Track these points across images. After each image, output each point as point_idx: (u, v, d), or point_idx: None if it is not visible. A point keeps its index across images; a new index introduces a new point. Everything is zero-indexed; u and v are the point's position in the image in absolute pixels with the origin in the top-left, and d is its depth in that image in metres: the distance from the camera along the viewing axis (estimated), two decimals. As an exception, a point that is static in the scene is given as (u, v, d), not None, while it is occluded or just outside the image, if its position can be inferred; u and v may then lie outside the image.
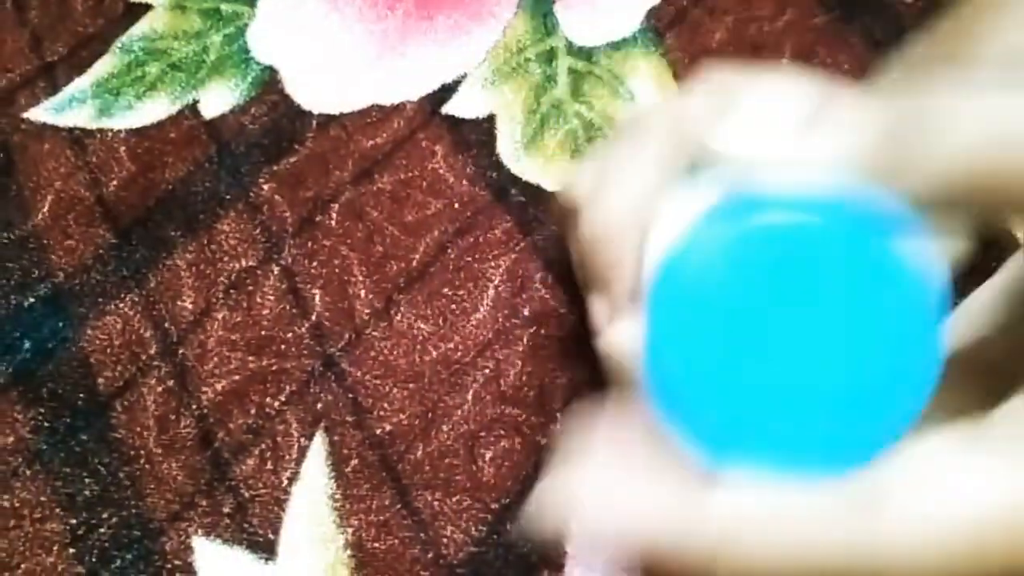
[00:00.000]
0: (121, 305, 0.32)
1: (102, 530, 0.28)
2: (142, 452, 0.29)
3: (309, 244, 0.32)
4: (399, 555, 0.27)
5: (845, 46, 0.35)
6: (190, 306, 0.32)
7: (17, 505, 0.29)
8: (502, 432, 0.29)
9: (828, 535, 0.12)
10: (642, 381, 0.14)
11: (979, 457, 0.12)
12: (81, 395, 0.30)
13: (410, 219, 0.32)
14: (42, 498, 0.29)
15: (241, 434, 0.29)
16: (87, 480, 0.29)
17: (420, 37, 0.36)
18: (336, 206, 0.33)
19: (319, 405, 0.30)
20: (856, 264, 0.12)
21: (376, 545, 0.28)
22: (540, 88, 0.35)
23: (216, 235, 0.33)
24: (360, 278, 0.32)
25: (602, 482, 0.14)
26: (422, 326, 0.31)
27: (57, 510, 0.29)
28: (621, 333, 0.19)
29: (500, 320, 0.30)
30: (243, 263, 0.32)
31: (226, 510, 0.28)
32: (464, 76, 0.35)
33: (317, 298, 0.31)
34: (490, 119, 0.34)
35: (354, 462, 0.29)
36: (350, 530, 0.28)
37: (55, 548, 0.28)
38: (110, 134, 0.35)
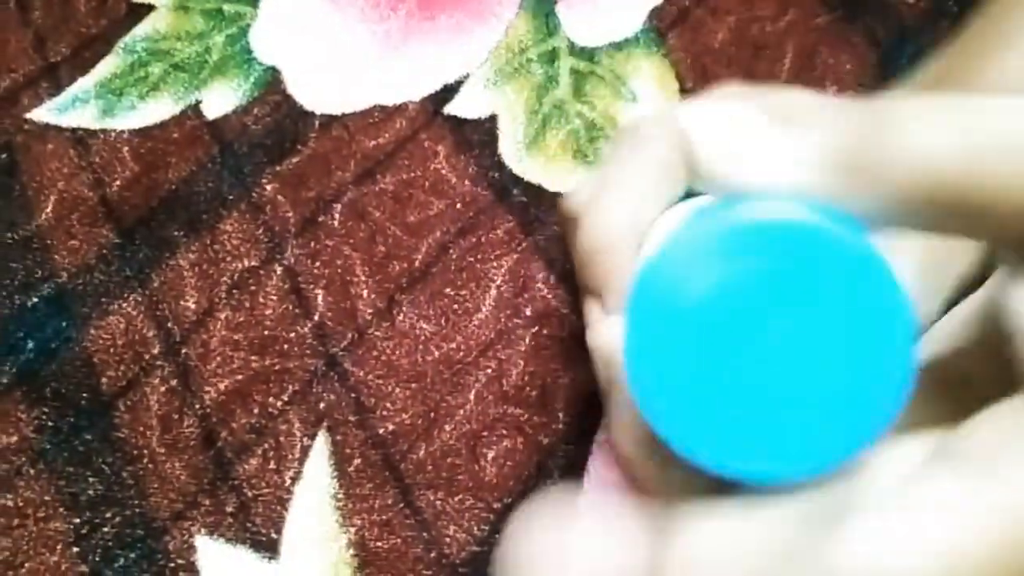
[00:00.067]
0: (124, 305, 0.32)
1: (105, 529, 0.28)
2: (145, 451, 0.29)
3: (312, 244, 0.32)
4: (401, 554, 0.28)
5: (847, 46, 0.35)
6: (193, 306, 0.32)
7: (21, 504, 0.29)
8: (504, 432, 0.29)
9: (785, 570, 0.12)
10: (625, 382, 0.15)
11: (947, 470, 0.12)
12: (84, 395, 0.30)
13: (412, 219, 0.33)
14: (46, 497, 0.29)
15: (244, 434, 0.30)
16: (90, 479, 0.29)
17: (422, 37, 0.36)
18: (338, 206, 0.33)
19: (322, 405, 0.30)
20: (833, 269, 0.13)
21: (379, 544, 0.28)
22: (542, 88, 0.35)
23: (219, 235, 0.33)
24: (362, 278, 0.32)
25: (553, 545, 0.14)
26: (424, 326, 0.31)
27: (61, 509, 0.29)
28: (605, 335, 0.19)
29: (502, 320, 0.31)
30: (246, 263, 0.32)
31: (229, 509, 0.28)
32: (466, 76, 0.35)
33: (320, 298, 0.31)
34: (492, 119, 0.34)
35: (357, 461, 0.29)
36: (353, 529, 0.28)
37: (59, 547, 0.28)
38: (113, 134, 0.35)
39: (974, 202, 0.12)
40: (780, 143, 0.14)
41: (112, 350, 0.31)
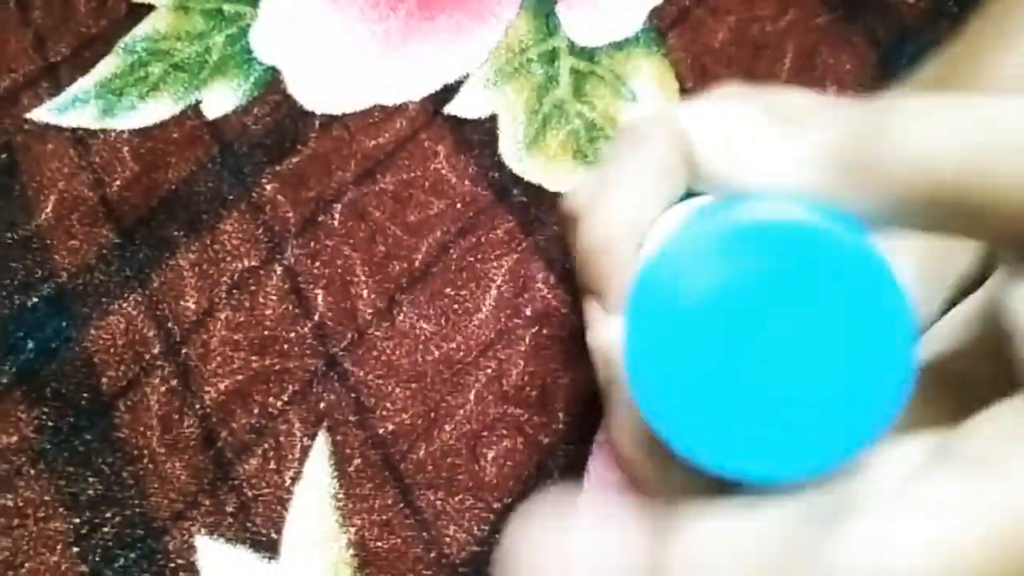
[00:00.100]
0: (124, 305, 0.32)
1: (105, 529, 0.28)
2: (145, 452, 0.29)
3: (312, 244, 0.32)
4: (401, 554, 0.28)
5: (847, 46, 0.35)
6: (193, 306, 0.32)
7: (21, 504, 0.29)
8: (504, 432, 0.29)
9: (786, 568, 0.12)
10: (625, 382, 0.15)
11: (947, 469, 0.12)
12: (84, 395, 0.30)
13: (412, 219, 0.33)
14: (46, 497, 0.29)
15: (244, 434, 0.30)
16: (91, 479, 0.29)
17: (422, 37, 0.36)
18: (338, 206, 0.33)
19: (322, 405, 0.30)
20: (833, 269, 0.13)
21: (379, 544, 0.28)
22: (542, 88, 0.35)
23: (219, 235, 0.33)
24: (362, 278, 0.32)
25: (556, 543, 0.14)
26: (424, 326, 0.31)
27: (61, 509, 0.29)
28: (605, 335, 0.19)
29: (502, 320, 0.31)
30: (246, 263, 0.32)
31: (229, 509, 0.28)
32: (466, 76, 0.35)
33: (320, 298, 0.31)
34: (492, 119, 0.34)
35: (357, 461, 0.29)
36: (353, 529, 0.28)
37: (59, 547, 0.28)
38: (113, 134, 0.35)
39: (973, 202, 0.12)
40: (779, 143, 0.14)
41: (112, 350, 0.31)
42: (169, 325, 0.31)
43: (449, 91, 0.35)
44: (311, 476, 0.29)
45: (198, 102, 0.35)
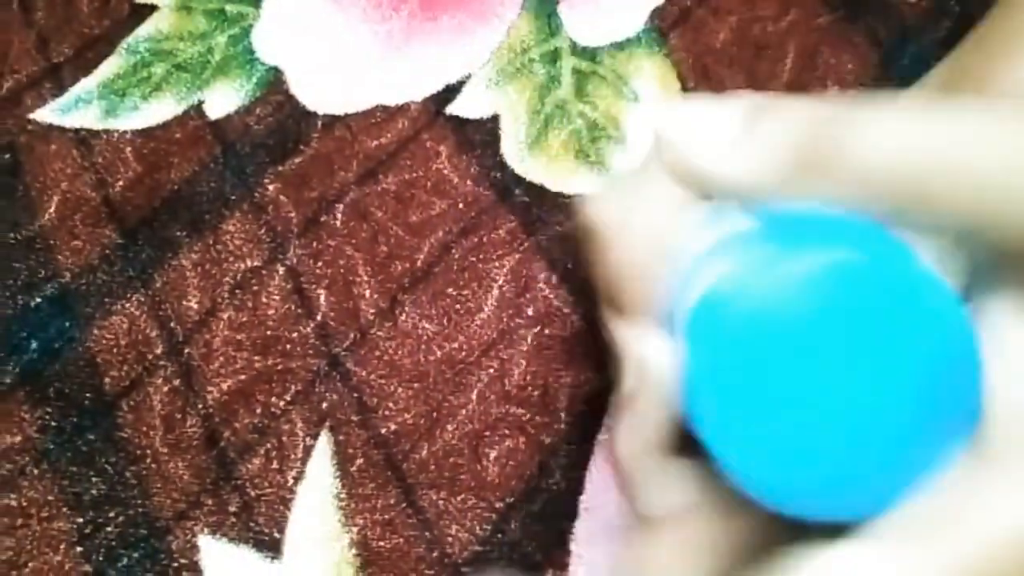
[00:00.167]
0: (127, 305, 0.32)
1: (109, 529, 0.29)
2: (148, 451, 0.30)
3: (314, 244, 0.32)
4: (404, 554, 0.28)
5: (849, 46, 0.35)
6: (196, 306, 0.32)
7: (24, 504, 0.29)
8: (506, 431, 0.29)
9: None
10: (682, 406, 0.15)
11: (984, 480, 0.12)
12: (88, 395, 0.30)
13: (414, 219, 0.33)
14: (49, 497, 0.29)
15: (247, 433, 0.30)
16: (94, 479, 0.29)
17: (424, 38, 0.36)
18: (341, 206, 0.33)
19: (324, 404, 0.30)
20: (903, 303, 0.12)
21: (381, 544, 0.28)
22: (544, 88, 0.35)
23: (221, 235, 0.33)
24: (365, 278, 0.32)
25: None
26: (427, 326, 0.31)
27: (64, 509, 0.29)
28: (639, 349, 0.19)
29: (504, 320, 0.31)
30: (248, 263, 0.32)
31: (232, 509, 0.29)
32: (468, 77, 0.35)
33: (322, 298, 0.32)
34: (494, 119, 0.34)
35: (359, 461, 0.29)
36: (355, 529, 0.28)
37: (62, 547, 0.28)
38: (116, 135, 0.35)
39: (920, 204, 0.13)
40: (742, 142, 0.15)
41: (115, 350, 0.31)
42: (172, 325, 0.31)
43: (451, 91, 0.35)
44: (314, 476, 0.29)
45: (201, 102, 0.36)
